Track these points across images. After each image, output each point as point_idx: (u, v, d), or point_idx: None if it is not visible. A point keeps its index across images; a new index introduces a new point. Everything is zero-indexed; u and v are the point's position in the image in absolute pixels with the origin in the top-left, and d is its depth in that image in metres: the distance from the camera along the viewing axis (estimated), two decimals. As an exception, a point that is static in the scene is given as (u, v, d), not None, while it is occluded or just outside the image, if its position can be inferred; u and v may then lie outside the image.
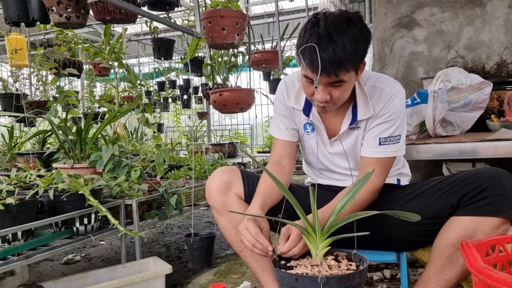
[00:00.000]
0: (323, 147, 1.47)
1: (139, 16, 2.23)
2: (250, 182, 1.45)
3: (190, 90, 6.81)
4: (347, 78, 1.20)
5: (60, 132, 2.08)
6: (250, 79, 3.15)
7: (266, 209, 1.33)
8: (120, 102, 2.98)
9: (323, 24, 1.16)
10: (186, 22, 3.76)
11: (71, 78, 5.18)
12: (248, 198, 1.44)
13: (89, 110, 4.59)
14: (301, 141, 1.54)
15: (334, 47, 1.14)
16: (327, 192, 1.39)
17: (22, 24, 2.45)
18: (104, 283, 1.59)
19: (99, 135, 2.17)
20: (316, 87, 1.19)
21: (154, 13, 2.40)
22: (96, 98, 4.66)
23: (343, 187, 1.43)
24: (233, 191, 1.43)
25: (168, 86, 6.80)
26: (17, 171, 1.97)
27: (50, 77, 3.61)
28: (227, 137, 7.40)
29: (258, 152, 6.50)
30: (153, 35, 3.77)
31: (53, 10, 2.04)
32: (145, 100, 6.11)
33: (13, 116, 3.52)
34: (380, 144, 1.34)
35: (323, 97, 1.22)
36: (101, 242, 2.94)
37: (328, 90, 1.22)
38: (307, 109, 1.43)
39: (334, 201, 1.30)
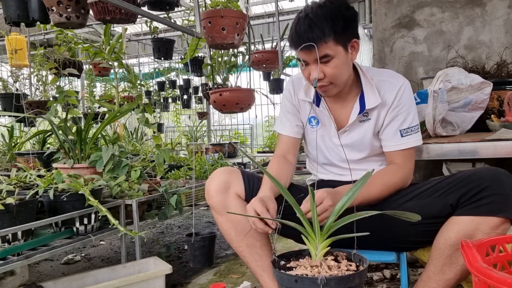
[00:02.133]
0: (329, 140, 1.49)
1: (139, 16, 2.23)
2: (250, 182, 1.46)
3: (190, 90, 6.81)
4: (332, 52, 1.27)
5: (60, 132, 2.08)
6: (250, 79, 3.15)
7: (275, 192, 1.34)
8: (120, 102, 2.98)
9: (304, 10, 1.30)
10: (186, 22, 3.76)
11: (71, 78, 5.16)
12: (248, 198, 1.44)
13: (89, 110, 4.59)
14: (305, 136, 1.56)
15: (310, 23, 1.26)
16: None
17: (22, 24, 2.44)
18: (104, 283, 1.59)
19: (99, 135, 2.17)
20: (298, 59, 1.31)
21: (154, 13, 2.40)
22: (96, 98, 4.65)
23: (343, 182, 1.43)
24: (232, 191, 1.43)
25: (168, 86, 6.79)
26: (17, 171, 1.97)
27: (50, 77, 3.61)
28: (227, 137, 7.39)
29: (258, 152, 6.49)
30: (153, 35, 3.77)
31: (53, 10, 2.04)
32: (145, 100, 6.10)
33: (13, 116, 3.52)
34: (402, 136, 1.40)
35: (314, 76, 1.29)
36: (101, 242, 2.94)
37: (320, 68, 1.29)
38: (317, 100, 1.47)
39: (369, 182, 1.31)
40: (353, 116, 1.42)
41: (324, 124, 1.48)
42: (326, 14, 1.27)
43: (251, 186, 1.45)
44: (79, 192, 1.70)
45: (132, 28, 6.56)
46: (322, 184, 1.52)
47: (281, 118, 1.57)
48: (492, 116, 1.96)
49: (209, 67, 2.99)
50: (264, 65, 3.68)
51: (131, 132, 3.84)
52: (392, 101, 1.39)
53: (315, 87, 1.41)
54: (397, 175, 1.38)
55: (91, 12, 2.11)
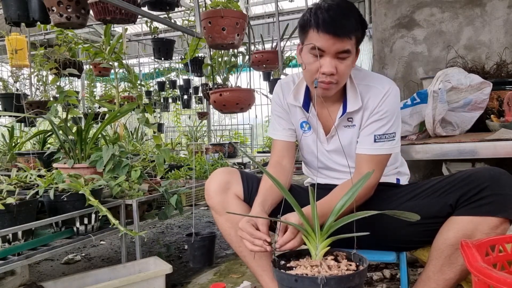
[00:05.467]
0: (321, 145, 1.48)
1: (139, 16, 2.23)
2: (249, 183, 1.46)
3: (190, 90, 6.81)
4: (351, 48, 1.25)
5: (61, 132, 2.08)
6: (250, 79, 3.15)
7: (266, 207, 1.33)
8: (120, 102, 2.98)
9: (325, 2, 1.26)
10: (186, 22, 3.76)
11: (72, 78, 5.18)
12: (247, 198, 1.45)
13: (90, 110, 4.59)
14: (298, 141, 1.56)
15: (344, 12, 1.24)
16: (327, 192, 1.39)
17: (23, 24, 2.45)
18: (104, 283, 1.59)
19: (100, 135, 2.17)
20: (314, 47, 1.24)
21: (154, 13, 2.40)
22: (96, 98, 4.65)
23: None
24: (232, 191, 1.44)
25: (168, 86, 6.80)
26: (17, 171, 1.97)
27: (50, 77, 3.61)
28: (227, 137, 7.39)
29: (258, 152, 6.50)
30: (153, 35, 3.77)
31: (53, 10, 2.04)
32: (145, 100, 6.10)
33: (14, 116, 3.52)
34: (375, 141, 1.36)
35: (330, 69, 1.25)
36: (101, 242, 2.94)
37: (334, 63, 1.26)
38: (306, 105, 1.45)
39: (331, 196, 1.31)
40: (336, 119, 1.41)
41: (314, 129, 1.47)
42: (355, 11, 1.26)
43: (250, 187, 1.45)
44: (80, 192, 1.70)
45: (132, 28, 6.56)
46: (319, 187, 1.52)
47: (273, 123, 1.55)
48: (492, 116, 1.96)
49: (209, 67, 3.00)
50: (264, 65, 3.68)
51: (131, 132, 3.84)
52: (375, 106, 1.36)
53: (315, 87, 1.42)
54: (362, 187, 1.27)
55: (91, 12, 2.11)
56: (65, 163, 2.00)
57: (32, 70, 3.63)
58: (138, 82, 3.27)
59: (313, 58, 1.28)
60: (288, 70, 5.51)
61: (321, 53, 1.25)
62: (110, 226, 1.78)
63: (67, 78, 4.54)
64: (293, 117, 1.51)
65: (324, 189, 1.42)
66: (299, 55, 1.36)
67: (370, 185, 1.34)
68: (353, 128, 1.41)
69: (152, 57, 5.07)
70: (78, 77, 4.80)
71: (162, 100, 6.73)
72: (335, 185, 1.46)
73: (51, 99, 3.19)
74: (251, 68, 3.40)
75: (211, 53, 2.97)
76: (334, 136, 1.44)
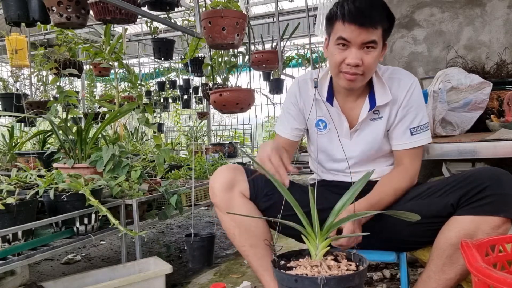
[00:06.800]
0: (339, 141, 1.47)
1: (139, 16, 2.23)
2: (255, 181, 1.44)
3: (190, 90, 6.81)
4: (377, 39, 1.26)
5: (61, 132, 2.08)
6: (250, 79, 3.15)
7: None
8: (120, 102, 2.98)
9: None
10: (186, 22, 3.76)
11: (72, 78, 5.17)
12: (253, 196, 1.43)
13: (90, 110, 4.59)
14: (310, 139, 1.55)
15: (372, 3, 1.25)
16: (332, 188, 1.39)
17: (23, 24, 2.45)
18: (104, 283, 1.59)
19: (100, 135, 2.17)
20: (341, 37, 1.26)
21: (154, 13, 2.39)
22: (96, 98, 4.65)
23: (348, 182, 1.42)
24: (237, 189, 1.41)
25: (168, 86, 6.79)
26: (17, 171, 1.97)
27: (50, 77, 3.61)
28: (227, 137, 7.39)
29: (258, 152, 6.49)
30: (153, 35, 3.77)
31: (53, 10, 2.04)
32: (145, 100, 6.10)
33: (14, 116, 3.52)
34: (412, 134, 1.39)
35: (355, 61, 1.26)
36: (101, 242, 2.94)
37: (360, 54, 1.27)
38: (330, 98, 1.44)
39: (375, 194, 1.34)
40: (363, 113, 1.40)
41: (335, 124, 1.45)
42: (383, 4, 1.28)
43: (256, 184, 1.43)
44: (80, 192, 1.70)
45: (132, 28, 6.56)
46: (325, 184, 1.52)
47: (282, 119, 1.56)
48: (492, 116, 1.96)
49: (209, 67, 3.00)
50: (264, 65, 3.68)
51: (131, 132, 3.84)
52: (403, 99, 1.38)
53: (315, 87, 1.41)
54: (405, 179, 1.37)
55: (91, 12, 2.11)
56: (65, 163, 2.00)
57: (32, 70, 3.63)
58: (138, 82, 3.26)
59: (338, 50, 1.30)
60: (288, 70, 5.52)
61: (347, 44, 1.27)
62: (110, 226, 1.78)
63: (67, 78, 4.54)
64: (309, 112, 1.49)
65: (329, 186, 1.42)
66: (326, 49, 1.38)
67: (409, 176, 1.38)
68: (380, 120, 1.42)
69: (152, 57, 5.07)
70: (78, 77, 4.80)
71: (162, 100, 6.72)
72: (341, 181, 1.46)
73: (51, 99, 3.19)
74: (251, 68, 3.40)
75: (211, 53, 2.97)
76: (358, 130, 1.44)
